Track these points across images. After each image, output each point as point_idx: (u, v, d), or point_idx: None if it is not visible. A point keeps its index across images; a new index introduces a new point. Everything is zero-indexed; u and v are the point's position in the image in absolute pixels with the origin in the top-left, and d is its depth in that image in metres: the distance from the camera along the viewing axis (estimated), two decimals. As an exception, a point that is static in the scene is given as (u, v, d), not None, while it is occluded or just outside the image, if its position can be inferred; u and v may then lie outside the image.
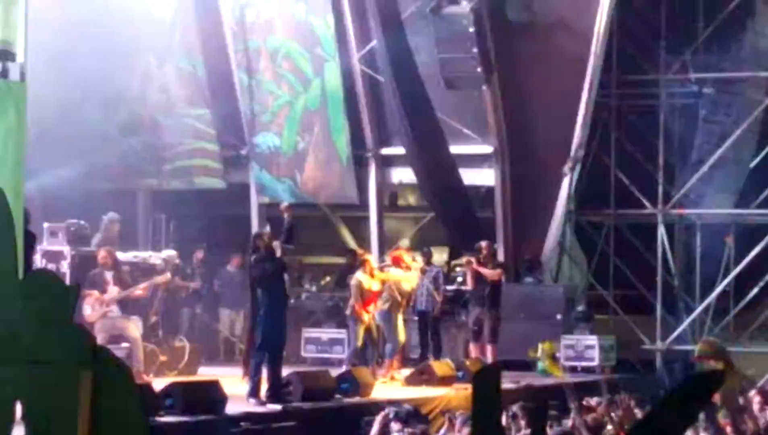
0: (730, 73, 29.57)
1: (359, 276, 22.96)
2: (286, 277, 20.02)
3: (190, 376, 20.00)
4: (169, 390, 16.40)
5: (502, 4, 26.95)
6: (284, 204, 21.60)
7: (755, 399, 17.67)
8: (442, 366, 22.20)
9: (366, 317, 22.54)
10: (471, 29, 26.41)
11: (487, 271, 23.87)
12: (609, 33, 26.82)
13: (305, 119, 27.79)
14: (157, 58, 26.87)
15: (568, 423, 15.70)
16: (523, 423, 15.38)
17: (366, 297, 22.85)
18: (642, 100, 29.61)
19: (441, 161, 26.84)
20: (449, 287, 25.49)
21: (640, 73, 29.34)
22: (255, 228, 27.92)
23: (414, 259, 24.40)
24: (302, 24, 27.57)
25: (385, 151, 28.13)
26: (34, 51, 13.02)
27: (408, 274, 23.33)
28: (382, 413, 15.62)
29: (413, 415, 16.71)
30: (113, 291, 20.26)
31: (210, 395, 16.78)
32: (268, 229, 22.00)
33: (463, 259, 25.31)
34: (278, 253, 19.30)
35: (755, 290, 27.81)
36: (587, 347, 25.16)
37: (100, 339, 18.15)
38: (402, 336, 23.24)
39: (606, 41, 26.73)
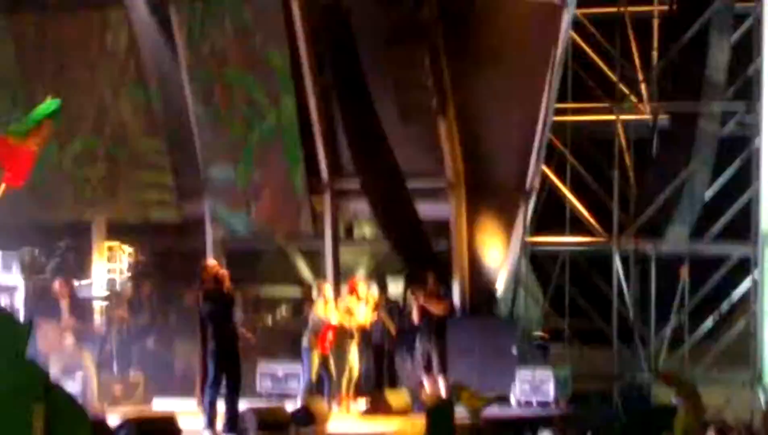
0: (685, 104, 29.87)
1: (317, 306, 23.20)
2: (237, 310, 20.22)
3: (145, 408, 20.02)
4: (123, 425, 16.43)
5: (458, 36, 27.10)
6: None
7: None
8: (396, 397, 22.36)
9: (322, 348, 22.84)
10: (426, 61, 26.64)
11: (432, 306, 24.02)
12: (564, 63, 27.08)
13: (260, 151, 27.87)
14: (113, 90, 26.92)
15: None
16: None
17: (323, 328, 23.03)
18: (597, 131, 29.85)
19: (396, 194, 26.96)
20: (405, 319, 25.55)
21: (594, 99, 29.65)
22: (210, 260, 28.19)
23: (369, 292, 24.62)
24: (258, 56, 27.66)
25: (340, 183, 28.22)
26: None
27: (362, 307, 23.55)
28: None
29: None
30: (68, 321, 20.34)
31: (164, 430, 16.83)
32: (213, 261, 22.17)
33: (411, 294, 25.48)
34: (227, 285, 19.43)
35: (710, 322, 28.08)
36: (543, 381, 25.25)
37: (54, 370, 18.25)
38: (355, 368, 23.40)
39: (561, 71, 26.97)
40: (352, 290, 24.18)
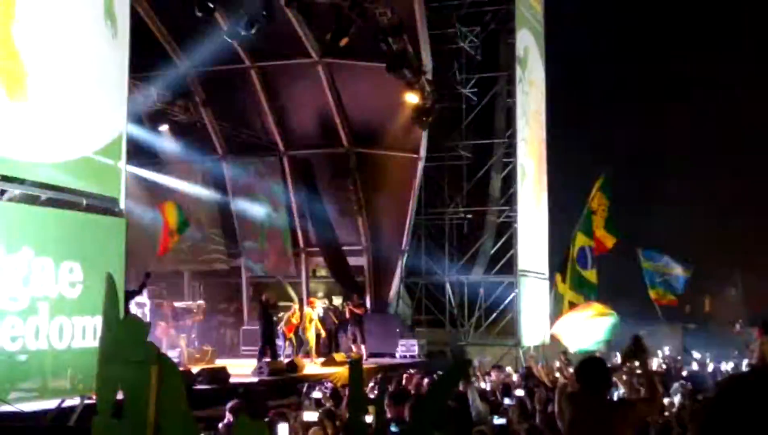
0: (479, 207, 30.23)
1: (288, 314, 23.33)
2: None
3: (212, 364, 19.90)
4: (200, 372, 16.42)
5: (366, 175, 27.21)
6: None
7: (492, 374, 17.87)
8: (340, 356, 22.26)
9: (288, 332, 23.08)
10: (351, 187, 26.85)
11: (356, 310, 24.18)
12: (419, 186, 27.25)
13: (269, 234, 27.69)
14: (193, 206, 26.57)
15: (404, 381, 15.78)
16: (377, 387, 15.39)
17: (289, 325, 23.03)
18: (436, 221, 30.06)
19: (337, 253, 27.02)
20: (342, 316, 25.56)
21: (435, 207, 29.88)
22: (245, 290, 28.04)
23: (324, 302, 24.77)
24: (266, 185, 27.56)
25: (309, 249, 28.24)
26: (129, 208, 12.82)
27: (315, 312, 23.56)
28: (323, 385, 15.36)
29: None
30: (172, 322, 20.32)
31: (221, 374, 16.80)
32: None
33: (345, 304, 25.49)
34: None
35: (494, 315, 28.36)
36: (412, 345, 25.37)
37: (162, 347, 18.21)
38: (312, 342, 23.27)
39: (418, 189, 27.14)
40: (311, 303, 24.11)
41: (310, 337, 23.29)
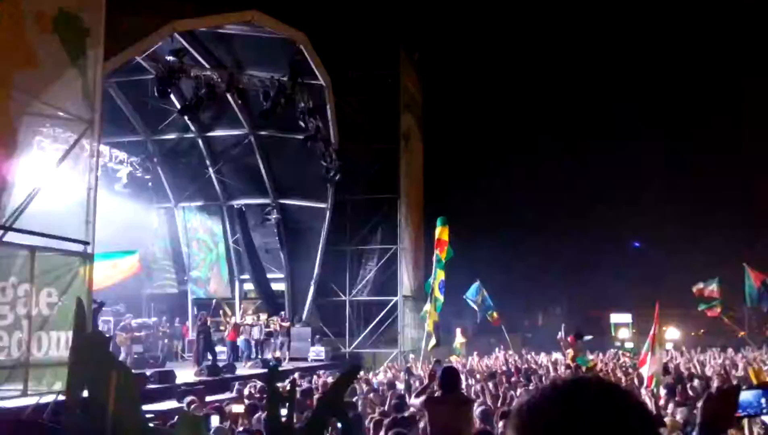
0: (372, 245, 30.09)
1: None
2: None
3: (162, 368, 19.10)
4: (152, 374, 15.80)
5: (290, 217, 27.09)
6: None
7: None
8: (265, 361, 21.74)
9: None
10: (275, 230, 26.63)
11: (284, 324, 23.79)
12: (327, 228, 27.20)
13: (211, 265, 27.33)
14: (151, 244, 26.00)
15: (314, 380, 15.54)
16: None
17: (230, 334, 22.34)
18: (340, 255, 29.58)
19: (263, 280, 26.69)
20: (266, 330, 24.95)
21: (339, 244, 29.52)
22: (190, 310, 27.23)
23: (253, 319, 24.18)
24: (209, 228, 27.23)
25: (242, 276, 27.74)
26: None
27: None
28: (252, 384, 14.92)
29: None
30: (130, 334, 19.58)
31: (169, 376, 16.22)
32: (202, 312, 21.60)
33: (274, 318, 25.00)
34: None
35: (383, 327, 28.16)
36: (320, 352, 25.02)
37: (122, 355, 17.49)
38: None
39: (326, 231, 27.01)
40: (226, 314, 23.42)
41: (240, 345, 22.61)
